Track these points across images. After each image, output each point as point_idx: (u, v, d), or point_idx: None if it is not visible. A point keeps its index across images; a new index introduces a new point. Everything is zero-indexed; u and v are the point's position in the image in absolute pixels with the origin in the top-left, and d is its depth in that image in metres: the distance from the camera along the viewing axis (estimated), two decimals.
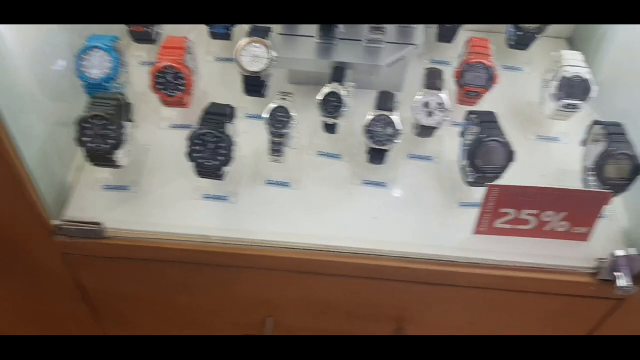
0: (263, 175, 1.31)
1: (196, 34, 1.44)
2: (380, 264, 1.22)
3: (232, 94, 1.42)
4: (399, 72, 1.45)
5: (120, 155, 1.19)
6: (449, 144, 1.36)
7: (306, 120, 1.36)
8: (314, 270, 1.24)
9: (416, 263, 1.21)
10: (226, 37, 1.46)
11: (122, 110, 1.17)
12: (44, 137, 1.17)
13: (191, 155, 1.15)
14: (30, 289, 1.35)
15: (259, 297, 1.35)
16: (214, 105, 1.19)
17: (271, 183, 1.30)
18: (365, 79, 1.40)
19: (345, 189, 1.30)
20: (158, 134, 1.37)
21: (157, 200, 1.26)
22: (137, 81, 1.42)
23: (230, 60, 1.54)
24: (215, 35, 1.46)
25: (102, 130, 1.12)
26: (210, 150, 1.15)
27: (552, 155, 1.38)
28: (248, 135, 1.33)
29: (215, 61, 1.55)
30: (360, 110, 1.35)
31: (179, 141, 1.34)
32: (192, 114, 1.37)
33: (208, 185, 1.26)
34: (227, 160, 1.15)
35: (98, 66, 1.25)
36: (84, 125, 1.12)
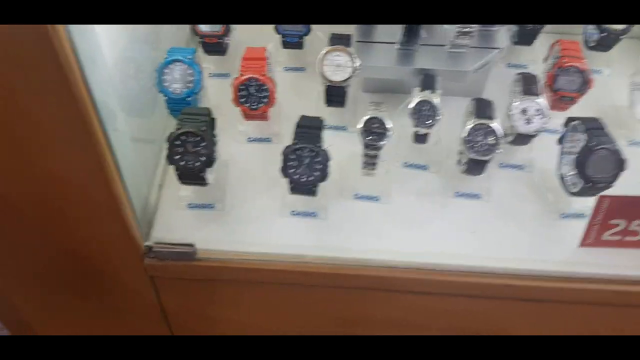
0: (350, 189, 1.25)
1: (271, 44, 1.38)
2: (480, 281, 1.16)
3: (305, 104, 1.37)
4: (482, 78, 1.39)
5: (209, 172, 1.13)
6: (539, 151, 1.30)
7: None
8: (409, 288, 1.19)
9: (520, 279, 1.15)
10: (298, 45, 1.41)
11: (210, 125, 1.12)
12: (132, 154, 1.12)
13: (286, 171, 1.09)
14: (113, 307, 1.30)
15: (347, 316, 1.29)
16: (305, 118, 1.13)
17: (359, 197, 1.24)
18: (446, 85, 1.34)
19: (437, 201, 1.24)
20: (236, 148, 1.32)
21: (244, 218, 1.21)
22: (210, 94, 1.37)
23: (299, 69, 1.50)
24: (287, 45, 1.41)
25: (194, 148, 1.07)
26: (305, 166, 1.09)
27: None
28: (330, 147, 1.27)
29: (284, 71, 1.50)
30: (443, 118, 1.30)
31: (258, 155, 1.30)
32: (269, 127, 1.33)
33: (295, 200, 1.21)
34: (323, 175, 1.09)
35: (180, 80, 1.19)
36: (175, 143, 1.06)
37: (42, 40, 0.74)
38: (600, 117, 1.36)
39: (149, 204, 1.19)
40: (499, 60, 1.50)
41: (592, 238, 1.15)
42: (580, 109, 1.39)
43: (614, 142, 1.11)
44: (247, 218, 1.20)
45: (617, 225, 1.13)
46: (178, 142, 1.07)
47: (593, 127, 1.12)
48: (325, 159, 1.09)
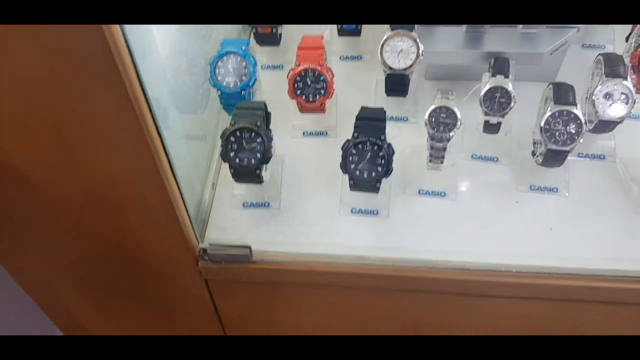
0: (414, 184, 1.17)
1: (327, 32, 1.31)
2: (559, 283, 1.06)
3: (363, 94, 1.30)
4: (558, 60, 1.28)
5: (264, 169, 1.07)
6: (622, 139, 1.18)
7: None
8: (482, 292, 1.10)
9: (603, 281, 1.05)
10: (356, 33, 1.33)
11: (265, 120, 1.06)
12: (184, 153, 1.07)
13: (346, 167, 1.02)
14: (167, 309, 1.26)
15: (412, 321, 1.21)
16: (365, 109, 1.06)
17: (424, 193, 1.16)
18: (518, 69, 1.23)
19: (510, 196, 1.14)
20: (291, 143, 1.26)
21: (301, 217, 1.14)
22: (263, 86, 1.31)
23: (355, 58, 1.42)
24: (343, 32, 1.33)
25: (249, 144, 1.01)
26: (367, 161, 1.01)
27: None
28: (395, 138, 1.18)
29: (340, 60, 1.42)
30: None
31: (314, 150, 1.23)
32: (325, 120, 1.26)
33: (355, 198, 1.13)
34: (387, 170, 1.02)
35: (234, 73, 1.14)
36: (229, 139, 1.00)
37: (95, 38, 0.69)
38: None
39: (202, 203, 1.14)
40: (573, 42, 1.39)
41: None
42: None
43: None
44: (304, 217, 1.14)
45: None
46: (232, 139, 1.01)
47: None
48: (389, 153, 1.01)
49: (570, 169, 1.16)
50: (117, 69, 0.72)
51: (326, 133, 1.27)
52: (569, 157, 1.17)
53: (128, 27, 0.73)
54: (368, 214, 1.13)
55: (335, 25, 1.33)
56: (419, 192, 1.16)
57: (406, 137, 1.20)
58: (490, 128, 1.13)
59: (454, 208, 1.14)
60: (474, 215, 1.13)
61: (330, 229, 1.12)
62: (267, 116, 1.10)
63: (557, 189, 1.14)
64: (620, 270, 1.05)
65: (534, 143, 1.12)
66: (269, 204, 1.16)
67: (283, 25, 1.35)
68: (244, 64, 1.14)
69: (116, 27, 0.70)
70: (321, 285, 1.11)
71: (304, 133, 1.27)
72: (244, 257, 1.05)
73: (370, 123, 1.02)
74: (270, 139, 1.02)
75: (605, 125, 1.11)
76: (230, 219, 1.13)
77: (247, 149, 1.01)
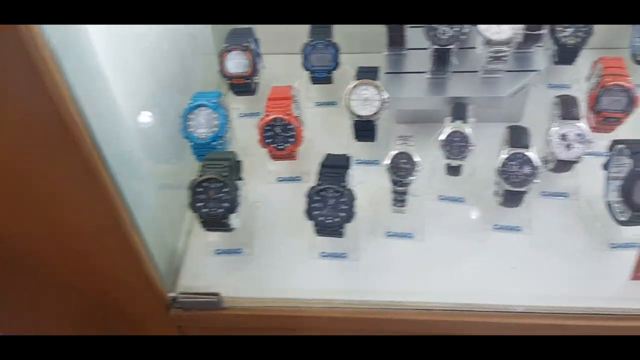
0: (382, 227, 1.20)
1: (298, 82, 1.36)
2: (523, 322, 1.08)
3: (336, 139, 1.34)
4: (520, 102, 1.32)
5: (233, 217, 1.11)
6: (586, 177, 1.21)
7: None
8: (447, 331, 1.12)
9: (567, 318, 1.07)
10: (327, 80, 1.38)
11: (233, 169, 1.10)
12: (155, 202, 1.11)
13: (310, 213, 1.06)
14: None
15: None
16: (330, 156, 1.10)
17: (392, 235, 1.19)
18: (482, 112, 1.28)
19: (475, 236, 1.17)
20: (266, 189, 1.30)
21: (272, 262, 1.18)
22: (239, 134, 1.36)
23: (331, 104, 1.47)
24: (316, 80, 1.38)
25: (216, 194, 1.05)
26: (330, 207, 1.05)
27: None
28: (361, 184, 1.22)
29: (316, 106, 1.48)
30: (479, 146, 1.23)
31: (289, 195, 1.27)
32: (299, 165, 1.30)
33: (325, 242, 1.17)
34: (349, 216, 1.05)
35: (205, 125, 1.19)
36: (197, 190, 1.05)
37: (42, 95, 0.74)
38: None
39: (176, 251, 1.18)
40: (539, 82, 1.43)
41: None
42: (630, 130, 1.30)
43: None
44: (275, 262, 1.17)
45: None
46: (200, 189, 1.05)
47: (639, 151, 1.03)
48: (350, 199, 1.05)
49: (534, 208, 1.19)
50: (68, 129, 0.77)
51: (300, 178, 1.31)
52: (534, 196, 1.21)
53: (80, 92, 0.78)
54: (337, 257, 1.17)
55: (309, 74, 1.38)
56: (387, 234, 1.19)
57: (375, 180, 1.23)
58: (452, 170, 1.17)
59: (421, 249, 1.17)
60: (440, 255, 1.16)
61: (301, 273, 1.15)
62: (237, 165, 1.14)
63: (520, 228, 1.17)
64: (583, 307, 1.06)
65: (496, 184, 1.15)
66: (241, 250, 1.19)
67: (259, 75, 1.40)
68: (215, 115, 1.19)
69: (64, 87, 0.75)
70: (290, 329, 1.14)
71: (278, 179, 1.32)
72: (213, 303, 1.08)
73: (334, 170, 1.06)
74: (236, 189, 1.07)
75: (564, 165, 1.15)
76: (203, 266, 1.17)
77: (214, 198, 1.05)
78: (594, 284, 1.09)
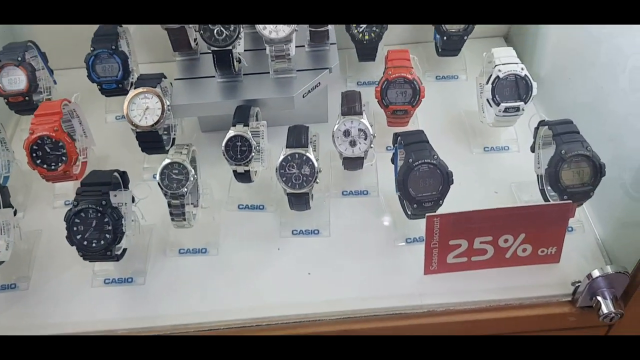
0: (174, 244, 1.11)
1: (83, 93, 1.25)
2: (318, 330, 1.02)
3: (135, 154, 1.24)
4: (321, 100, 1.28)
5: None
6: (385, 173, 1.18)
7: (221, 171, 1.18)
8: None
9: (361, 322, 1.02)
10: (119, 92, 1.28)
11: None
12: None
13: (71, 238, 0.96)
14: None
15: None
16: (92, 174, 1.01)
17: (185, 252, 1.11)
18: (282, 114, 1.23)
19: (272, 244, 1.11)
20: (51, 214, 1.18)
21: (52, 294, 1.07)
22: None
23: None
24: (105, 92, 1.28)
25: None
26: (92, 229, 0.95)
27: (503, 166, 1.21)
28: (152, 199, 1.12)
29: (116, 120, 1.38)
30: (280, 148, 1.18)
31: None
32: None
33: (109, 266, 1.07)
34: (115, 237, 0.96)
35: None
36: None
37: None
38: (454, 124, 1.27)
39: None
40: (348, 79, 1.41)
41: (435, 263, 1.03)
42: (433, 120, 1.30)
43: (435, 154, 0.99)
44: (56, 294, 1.06)
45: (459, 245, 1.01)
46: None
47: (413, 141, 1.00)
48: (115, 217, 0.95)
49: (334, 208, 1.15)
50: None
51: None
52: (335, 196, 1.17)
53: None
54: (122, 283, 1.07)
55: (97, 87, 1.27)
56: (179, 251, 1.11)
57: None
58: (241, 177, 1.10)
59: (215, 264, 1.10)
60: (235, 269, 1.09)
61: (82, 303, 1.04)
62: (3, 193, 1.02)
63: (317, 231, 1.12)
64: (379, 308, 1.02)
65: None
66: (16, 284, 1.07)
67: (48, 92, 1.29)
68: None
69: None
70: None
71: (67, 202, 1.20)
72: None
73: (95, 188, 0.97)
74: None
75: (353, 162, 1.11)
76: None
77: None
78: (389, 283, 1.05)
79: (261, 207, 1.17)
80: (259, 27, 1.11)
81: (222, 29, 1.10)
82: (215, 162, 1.22)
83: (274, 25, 1.11)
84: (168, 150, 1.18)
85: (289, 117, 1.27)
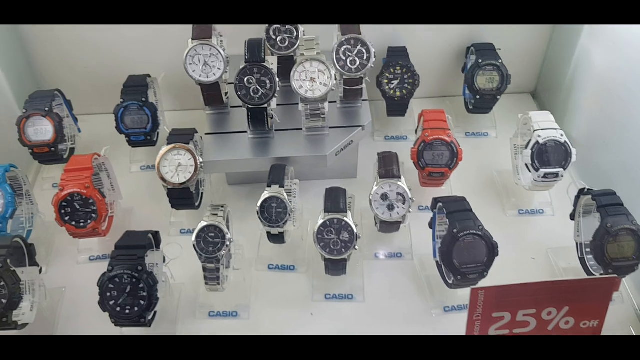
0: (204, 306, 1.08)
1: (111, 146, 1.23)
2: None
3: (161, 206, 1.21)
4: (352, 158, 1.26)
5: (23, 311, 0.96)
6: (419, 235, 1.16)
7: (249, 227, 1.15)
8: None
9: None
10: (148, 143, 1.26)
11: (17, 257, 0.95)
12: None
13: (104, 304, 0.92)
14: None
15: None
16: (127, 236, 0.98)
17: (215, 315, 1.07)
18: (313, 171, 1.21)
19: (305, 308, 1.08)
20: (75, 270, 1.15)
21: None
22: (49, 208, 1.20)
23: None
24: (133, 144, 1.26)
25: None
26: (127, 295, 0.92)
27: (538, 231, 1.19)
28: (183, 257, 1.10)
29: (141, 170, 1.35)
30: (310, 206, 1.16)
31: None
32: (116, 239, 1.16)
33: (138, 329, 1.03)
34: (150, 303, 0.93)
35: None
36: None
37: None
38: (486, 184, 1.25)
39: None
40: (375, 133, 1.40)
41: (477, 333, 0.99)
42: (465, 179, 1.28)
43: (481, 225, 0.97)
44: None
45: (503, 318, 0.98)
46: None
47: (456, 210, 0.98)
48: (150, 283, 0.92)
49: (367, 272, 1.12)
50: None
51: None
52: (368, 258, 1.14)
53: None
54: None
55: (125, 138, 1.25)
56: (209, 314, 1.08)
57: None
58: (274, 238, 1.08)
59: (247, 328, 1.07)
60: (267, 333, 1.05)
61: None
62: (25, 250, 0.99)
63: (352, 296, 1.09)
64: None
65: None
66: None
67: (73, 140, 1.27)
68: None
69: None
70: None
71: (91, 258, 1.17)
72: None
73: (130, 252, 0.94)
74: (15, 282, 0.91)
75: (390, 226, 1.09)
76: None
77: None
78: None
79: (292, 267, 1.15)
80: (295, 86, 1.10)
81: (258, 87, 1.09)
82: (243, 217, 1.20)
83: (310, 84, 1.10)
84: (197, 206, 1.17)
85: (318, 172, 1.26)
